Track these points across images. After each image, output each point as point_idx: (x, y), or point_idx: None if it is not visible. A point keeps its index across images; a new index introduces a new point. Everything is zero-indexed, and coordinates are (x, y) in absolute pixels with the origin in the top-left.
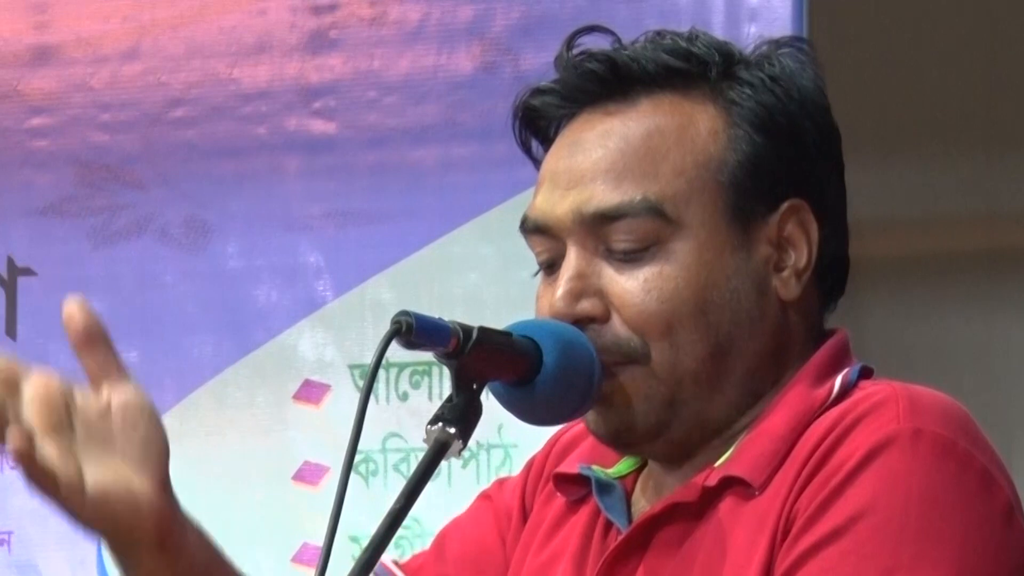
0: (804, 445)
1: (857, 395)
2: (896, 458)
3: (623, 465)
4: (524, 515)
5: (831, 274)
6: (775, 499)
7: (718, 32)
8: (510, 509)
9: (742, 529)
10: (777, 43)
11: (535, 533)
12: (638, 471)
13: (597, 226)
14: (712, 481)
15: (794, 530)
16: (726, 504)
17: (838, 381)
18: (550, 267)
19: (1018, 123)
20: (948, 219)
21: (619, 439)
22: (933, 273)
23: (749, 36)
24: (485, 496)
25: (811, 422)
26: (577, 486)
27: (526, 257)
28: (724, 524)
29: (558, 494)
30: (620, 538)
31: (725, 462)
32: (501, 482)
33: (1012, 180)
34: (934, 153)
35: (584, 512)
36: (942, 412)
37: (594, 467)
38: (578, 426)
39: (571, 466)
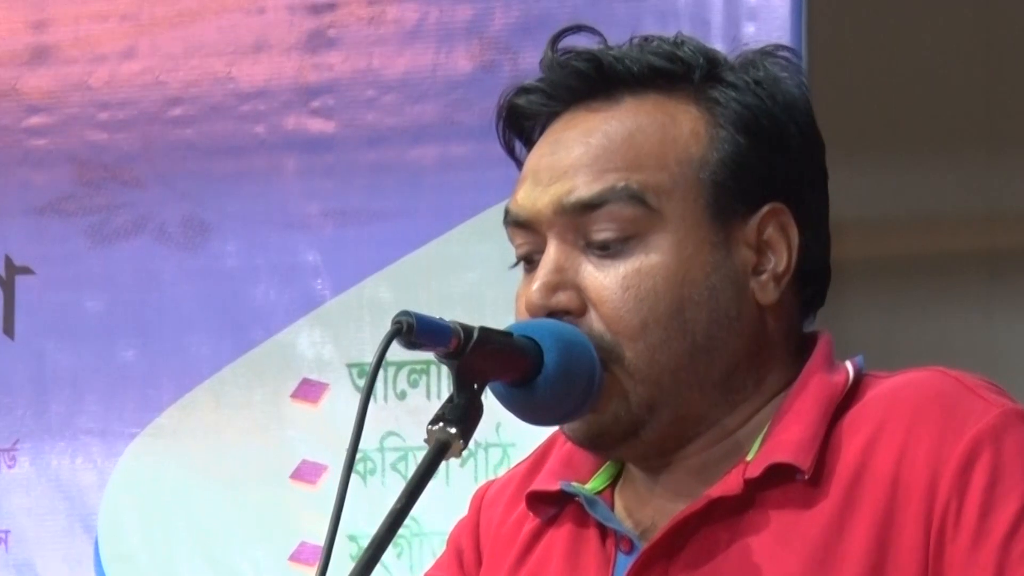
0: (855, 432)
1: (903, 379)
2: (1015, 441)
3: (597, 481)
4: (478, 555)
5: (811, 283)
6: (847, 488)
7: (717, 31)
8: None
9: (809, 517)
10: (763, 51)
11: (505, 554)
12: (611, 486)
13: (578, 217)
14: (755, 471)
15: (962, 547)
16: (775, 494)
17: (849, 366)
18: (529, 262)
19: (1018, 123)
20: (948, 219)
21: (596, 441)
22: (933, 273)
23: (748, 35)
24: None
25: (837, 407)
26: (549, 505)
27: None
28: (781, 513)
29: (516, 524)
30: (653, 540)
31: (758, 453)
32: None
33: (1012, 180)
34: (934, 153)
35: (562, 530)
36: (996, 386)
37: (574, 484)
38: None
39: (548, 483)
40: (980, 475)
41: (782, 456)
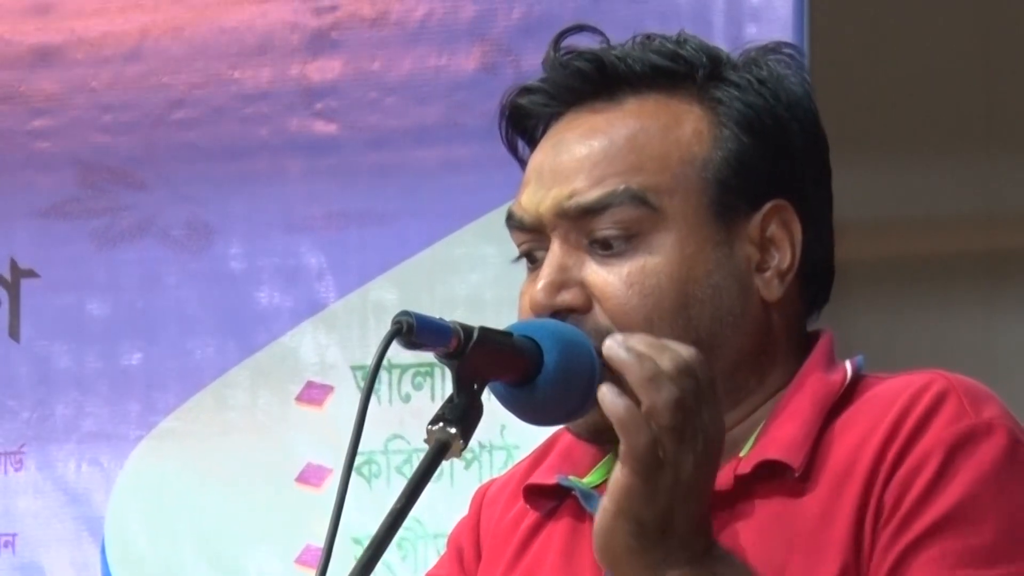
0: (849, 430)
1: (902, 380)
2: (983, 453)
3: (595, 475)
4: (478, 552)
5: (815, 280)
6: (836, 487)
7: (719, 32)
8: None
9: (798, 512)
10: (766, 49)
11: (503, 549)
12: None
13: (580, 220)
14: (746, 468)
15: (887, 533)
16: (765, 490)
17: (848, 365)
18: (532, 259)
19: (1018, 123)
20: (948, 219)
21: (601, 436)
22: (932, 274)
23: (749, 36)
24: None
25: (833, 406)
26: (547, 499)
27: None
28: (771, 508)
29: (515, 519)
30: None
31: (751, 450)
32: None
33: (1012, 180)
34: (934, 153)
35: (560, 524)
36: (997, 403)
37: (571, 478)
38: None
39: (546, 477)
40: (924, 479)
41: (774, 454)
